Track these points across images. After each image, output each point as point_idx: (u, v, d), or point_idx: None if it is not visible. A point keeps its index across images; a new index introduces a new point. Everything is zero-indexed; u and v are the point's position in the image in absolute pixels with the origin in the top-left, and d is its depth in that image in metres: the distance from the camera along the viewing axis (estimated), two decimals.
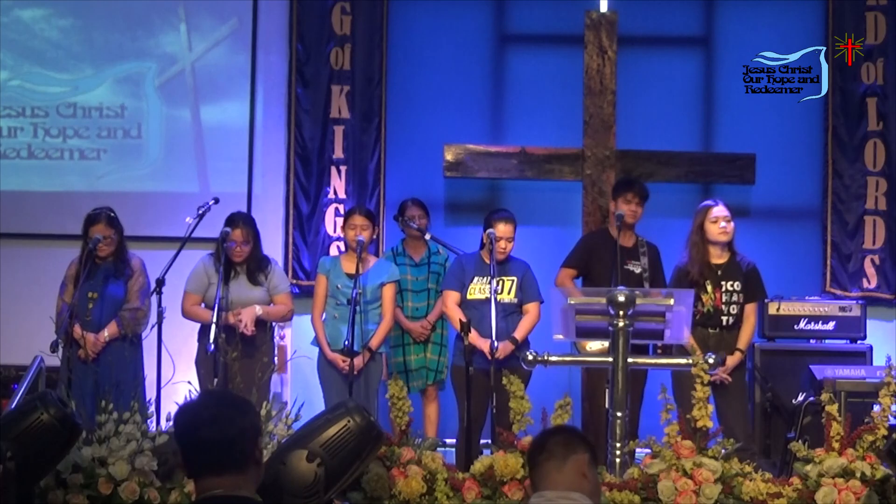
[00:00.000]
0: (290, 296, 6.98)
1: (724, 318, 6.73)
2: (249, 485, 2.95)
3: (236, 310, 6.68)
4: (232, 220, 6.81)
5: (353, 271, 6.72)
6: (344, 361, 6.63)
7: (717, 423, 6.55)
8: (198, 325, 6.85)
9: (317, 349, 6.94)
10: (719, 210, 6.78)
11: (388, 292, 6.92)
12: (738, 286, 6.75)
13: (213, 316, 6.48)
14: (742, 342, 6.75)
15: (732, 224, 6.79)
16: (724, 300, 6.73)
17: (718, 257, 6.79)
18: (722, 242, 6.77)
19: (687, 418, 5.68)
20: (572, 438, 3.46)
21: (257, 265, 6.84)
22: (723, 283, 6.74)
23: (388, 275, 6.95)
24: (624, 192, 7.05)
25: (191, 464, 2.97)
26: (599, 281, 6.94)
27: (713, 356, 5.89)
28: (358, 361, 6.65)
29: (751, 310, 6.81)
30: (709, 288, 6.71)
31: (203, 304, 6.84)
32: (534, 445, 3.48)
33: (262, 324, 6.82)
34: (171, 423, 5.73)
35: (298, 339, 7.81)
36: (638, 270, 6.98)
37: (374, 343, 6.79)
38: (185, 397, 5.79)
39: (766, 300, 7.27)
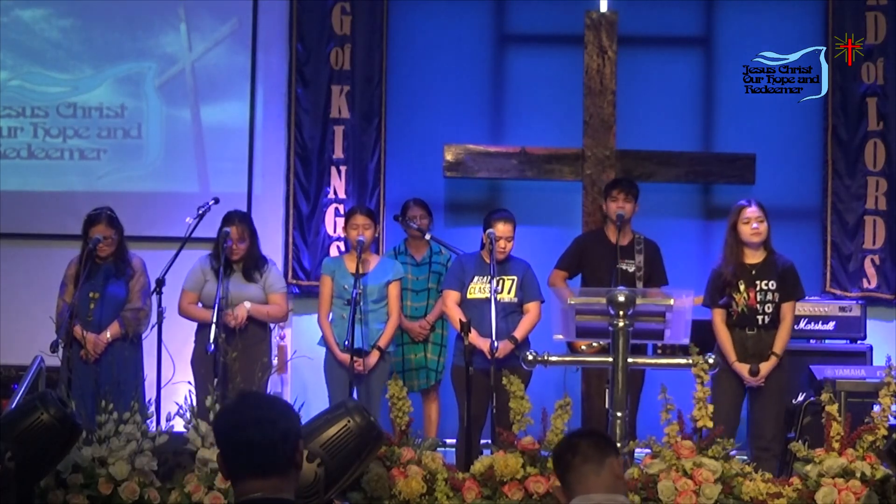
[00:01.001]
0: (285, 297, 6.96)
1: (760, 318, 6.57)
2: (290, 488, 2.90)
3: (232, 309, 6.69)
4: (228, 218, 6.83)
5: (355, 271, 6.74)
6: (357, 362, 6.63)
7: (748, 420, 6.55)
8: (195, 323, 6.85)
9: (323, 349, 6.94)
10: (751, 211, 6.65)
11: (394, 290, 6.93)
12: (773, 285, 6.59)
13: (213, 316, 6.49)
14: (777, 345, 6.55)
15: (766, 224, 6.66)
16: (758, 299, 6.60)
17: (753, 257, 6.67)
18: (754, 243, 6.68)
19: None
20: (603, 441, 3.46)
21: (254, 263, 6.85)
22: (757, 282, 6.59)
23: (392, 273, 6.96)
24: (610, 191, 7.08)
25: (232, 466, 2.91)
26: (592, 281, 6.95)
27: (713, 356, 5.89)
28: (370, 361, 6.71)
29: (787, 309, 6.61)
30: (741, 287, 6.61)
31: (200, 303, 6.85)
32: (564, 448, 3.45)
33: (262, 324, 6.82)
34: (168, 422, 5.76)
35: (298, 339, 7.81)
36: (631, 269, 6.97)
37: (382, 342, 6.81)
38: (186, 397, 5.81)
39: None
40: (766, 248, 6.68)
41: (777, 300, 6.59)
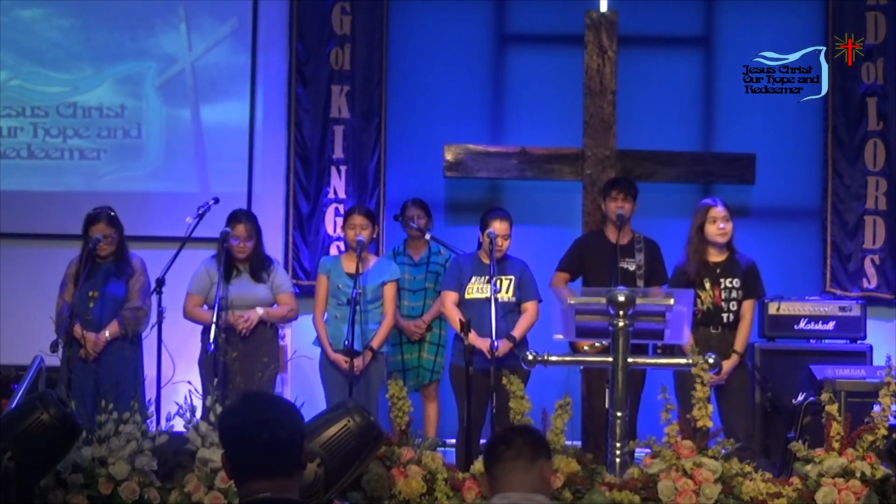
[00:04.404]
0: (293, 296, 6.99)
1: (725, 316, 6.69)
2: (295, 488, 2.92)
3: (240, 311, 6.69)
4: (234, 217, 6.83)
5: (353, 271, 6.73)
6: (346, 362, 6.63)
7: (718, 422, 6.56)
8: (200, 325, 6.85)
9: (319, 349, 6.94)
10: (717, 211, 6.74)
11: (390, 291, 6.92)
12: (737, 283, 6.71)
13: (213, 316, 6.49)
14: (738, 343, 6.67)
15: (731, 224, 6.75)
16: (723, 297, 6.69)
17: (717, 256, 6.77)
18: (720, 243, 6.74)
19: (687, 418, 5.68)
20: (540, 442, 3.43)
21: (260, 263, 6.86)
22: (721, 280, 6.70)
23: (389, 274, 6.96)
24: (610, 191, 7.08)
25: (238, 466, 2.91)
26: (593, 281, 6.95)
27: (713, 356, 5.89)
28: (360, 361, 6.67)
29: (748, 307, 6.73)
30: (707, 286, 6.68)
31: (206, 305, 6.84)
32: (499, 440, 3.42)
33: (265, 324, 6.82)
34: (168, 422, 5.75)
35: (298, 339, 7.81)
36: (632, 268, 6.98)
37: (375, 343, 6.80)
38: (186, 397, 5.81)
39: (765, 299, 7.26)
40: (728, 248, 6.75)
41: (740, 298, 6.65)
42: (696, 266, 6.69)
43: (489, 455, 3.40)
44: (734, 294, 6.70)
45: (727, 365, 6.58)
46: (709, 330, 6.68)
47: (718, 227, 6.70)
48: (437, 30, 8.53)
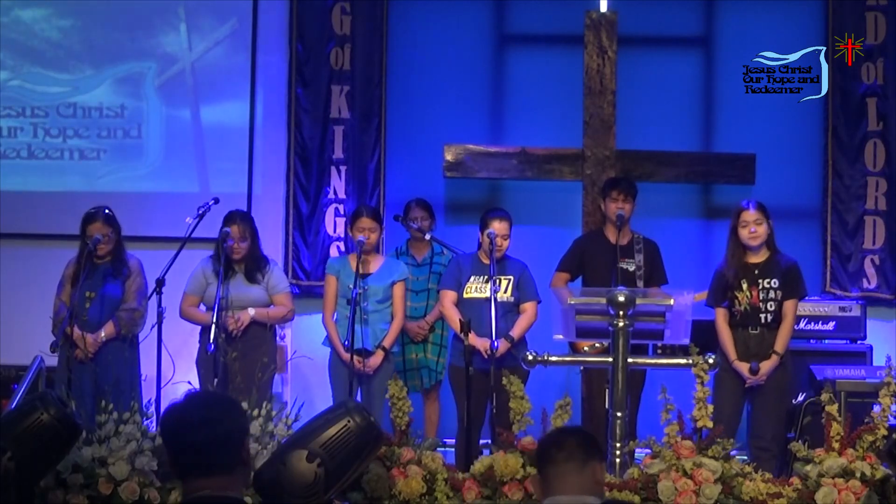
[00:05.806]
0: (289, 296, 6.97)
1: (763, 316, 6.57)
2: (236, 485, 2.99)
3: (232, 312, 6.69)
4: (229, 218, 6.83)
5: (359, 271, 6.74)
6: (360, 362, 6.63)
7: (748, 420, 6.55)
8: (198, 326, 6.85)
9: (327, 349, 6.94)
10: (749, 214, 6.63)
11: (399, 290, 6.93)
12: (775, 283, 6.60)
13: (213, 316, 6.49)
14: (779, 343, 6.55)
15: (765, 226, 6.65)
16: (761, 298, 6.61)
17: (755, 257, 6.66)
18: (753, 246, 6.67)
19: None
20: (592, 443, 3.41)
21: (255, 264, 6.85)
22: (759, 281, 6.61)
23: (398, 273, 6.96)
24: (609, 192, 7.07)
25: (178, 465, 3.00)
26: (592, 281, 6.95)
27: (712, 356, 5.89)
28: (375, 360, 6.72)
29: (789, 307, 6.60)
30: (744, 286, 6.61)
31: (202, 305, 6.84)
32: (550, 442, 3.40)
33: (263, 325, 6.82)
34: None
35: (299, 339, 7.81)
36: (631, 268, 6.97)
37: (387, 342, 6.81)
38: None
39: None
40: (768, 248, 6.69)
41: (780, 298, 6.60)
42: (735, 269, 6.64)
43: (541, 457, 3.38)
44: (772, 294, 6.58)
45: (766, 366, 6.49)
46: (747, 331, 6.58)
47: (749, 230, 6.61)
48: (437, 30, 8.53)
